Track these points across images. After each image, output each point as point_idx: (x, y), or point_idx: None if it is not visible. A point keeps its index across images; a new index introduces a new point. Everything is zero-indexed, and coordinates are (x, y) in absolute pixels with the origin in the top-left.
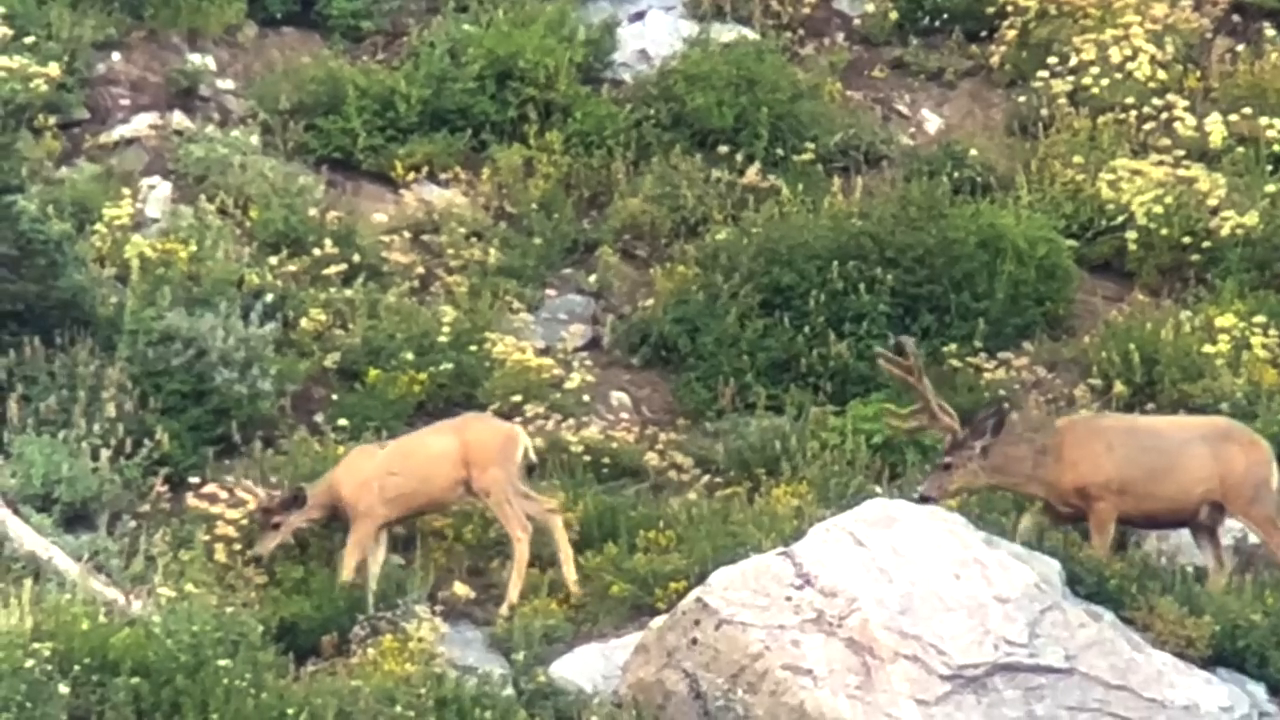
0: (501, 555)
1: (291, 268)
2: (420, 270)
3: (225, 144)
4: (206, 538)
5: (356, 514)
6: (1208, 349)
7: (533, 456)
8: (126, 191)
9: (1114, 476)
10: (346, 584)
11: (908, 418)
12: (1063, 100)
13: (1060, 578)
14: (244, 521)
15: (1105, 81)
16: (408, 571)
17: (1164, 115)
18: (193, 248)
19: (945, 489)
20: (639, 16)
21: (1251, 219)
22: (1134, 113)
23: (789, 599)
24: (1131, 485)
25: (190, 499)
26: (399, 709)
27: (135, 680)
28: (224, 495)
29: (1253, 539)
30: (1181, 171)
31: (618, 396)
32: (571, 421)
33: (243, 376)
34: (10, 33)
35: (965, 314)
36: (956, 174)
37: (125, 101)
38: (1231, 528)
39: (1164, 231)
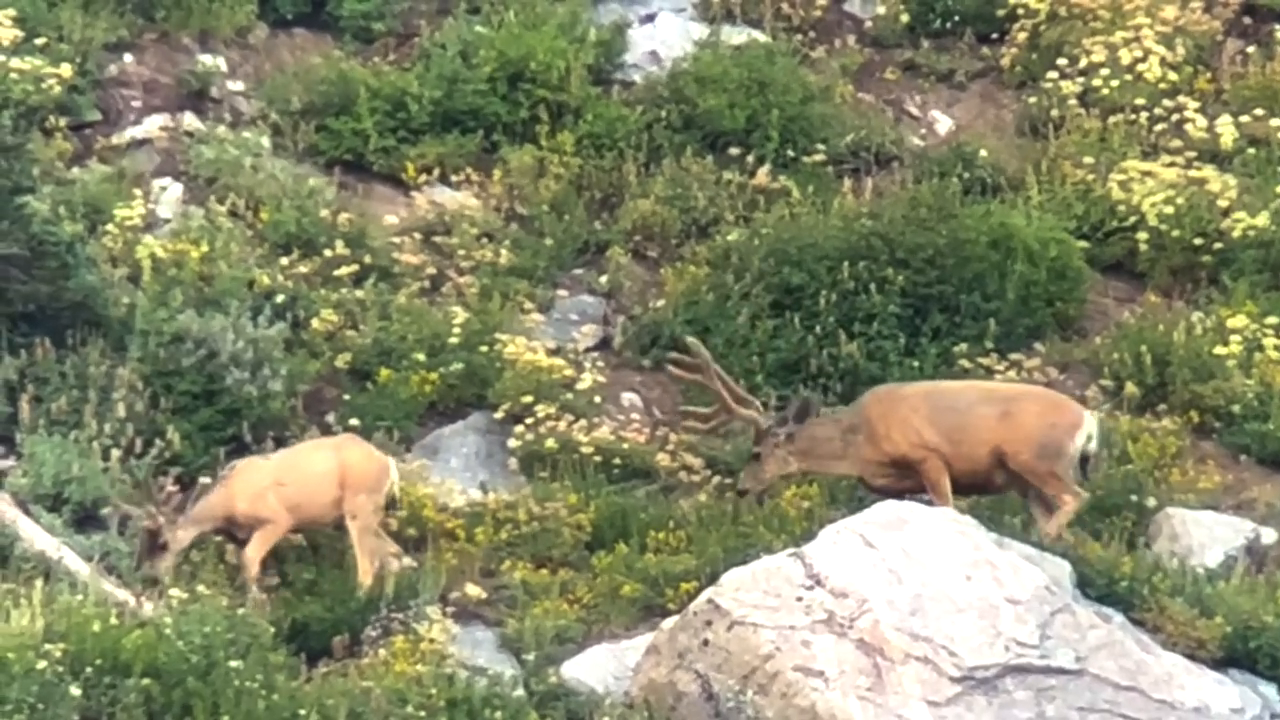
0: (513, 556)
1: (303, 269)
2: (431, 271)
3: (236, 145)
4: (218, 539)
5: (259, 524)
6: (1219, 350)
7: (397, 492)
8: (138, 193)
9: (927, 435)
10: (254, 599)
11: (708, 417)
12: (1073, 101)
13: (1071, 579)
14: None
15: (1116, 83)
16: (419, 573)
17: (1175, 117)
18: (204, 249)
19: (760, 479)
20: (650, 18)
21: (1263, 220)
22: (1145, 114)
23: (800, 600)
24: (938, 447)
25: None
26: (410, 710)
27: (146, 681)
28: None
29: (1265, 539)
30: (1193, 173)
31: (629, 397)
32: (582, 422)
33: (253, 377)
34: (22, 34)
35: (976, 314)
36: (967, 175)
37: (136, 103)
38: (1242, 528)
39: (1175, 233)
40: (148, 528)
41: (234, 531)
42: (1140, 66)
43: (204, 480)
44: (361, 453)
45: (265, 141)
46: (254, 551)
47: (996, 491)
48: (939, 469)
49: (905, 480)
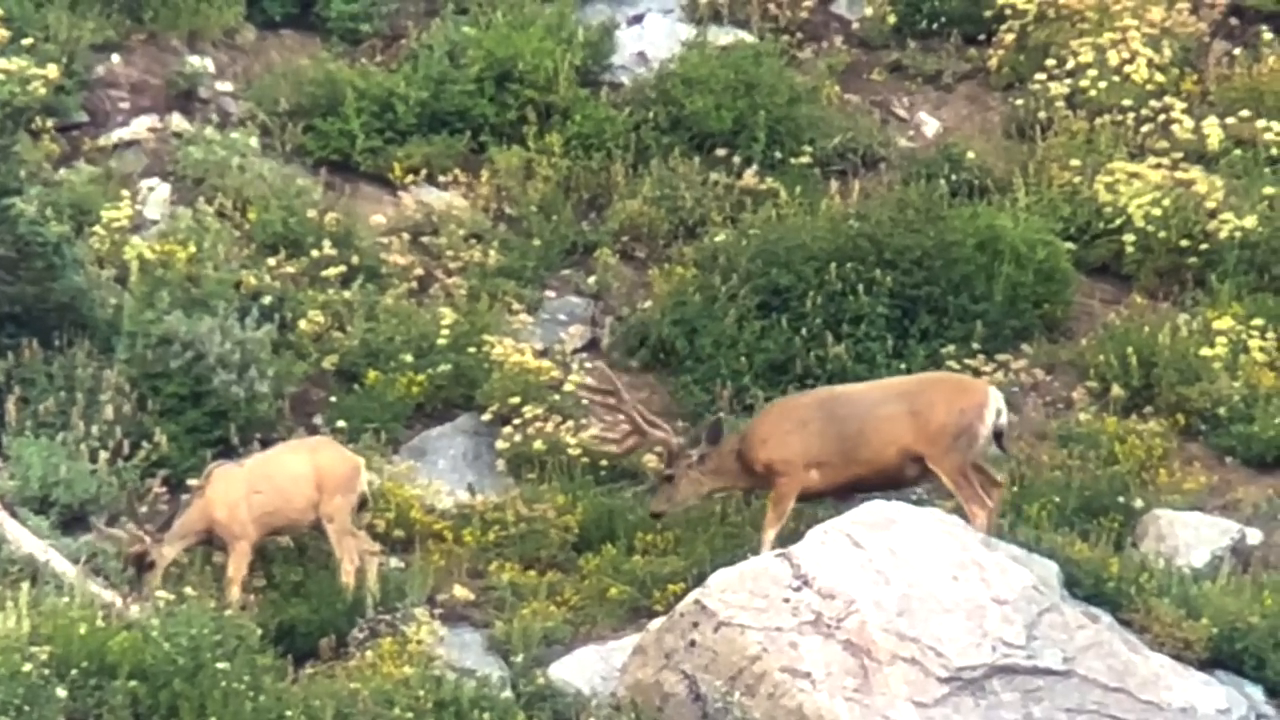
0: (500, 557)
1: (290, 269)
2: (419, 272)
3: (224, 146)
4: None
5: (232, 535)
6: (1205, 352)
7: (368, 492)
8: (125, 193)
9: (801, 454)
10: (235, 607)
11: (620, 441)
12: (1060, 103)
13: (1058, 579)
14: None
15: (1103, 84)
16: (406, 574)
17: (1161, 118)
18: (191, 249)
19: (674, 500)
20: (637, 19)
21: (1249, 221)
22: (1131, 115)
23: (787, 601)
24: (827, 459)
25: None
26: (397, 711)
27: (133, 683)
28: None
29: (1250, 539)
30: (1179, 174)
31: None
32: (570, 423)
33: (241, 378)
34: (8, 35)
35: (963, 316)
36: (954, 176)
37: (124, 104)
38: (1228, 529)
39: (1162, 234)
40: (134, 550)
41: (213, 541)
42: (1127, 68)
43: (193, 483)
44: (335, 455)
45: (253, 142)
46: (234, 572)
47: (909, 485)
48: (792, 489)
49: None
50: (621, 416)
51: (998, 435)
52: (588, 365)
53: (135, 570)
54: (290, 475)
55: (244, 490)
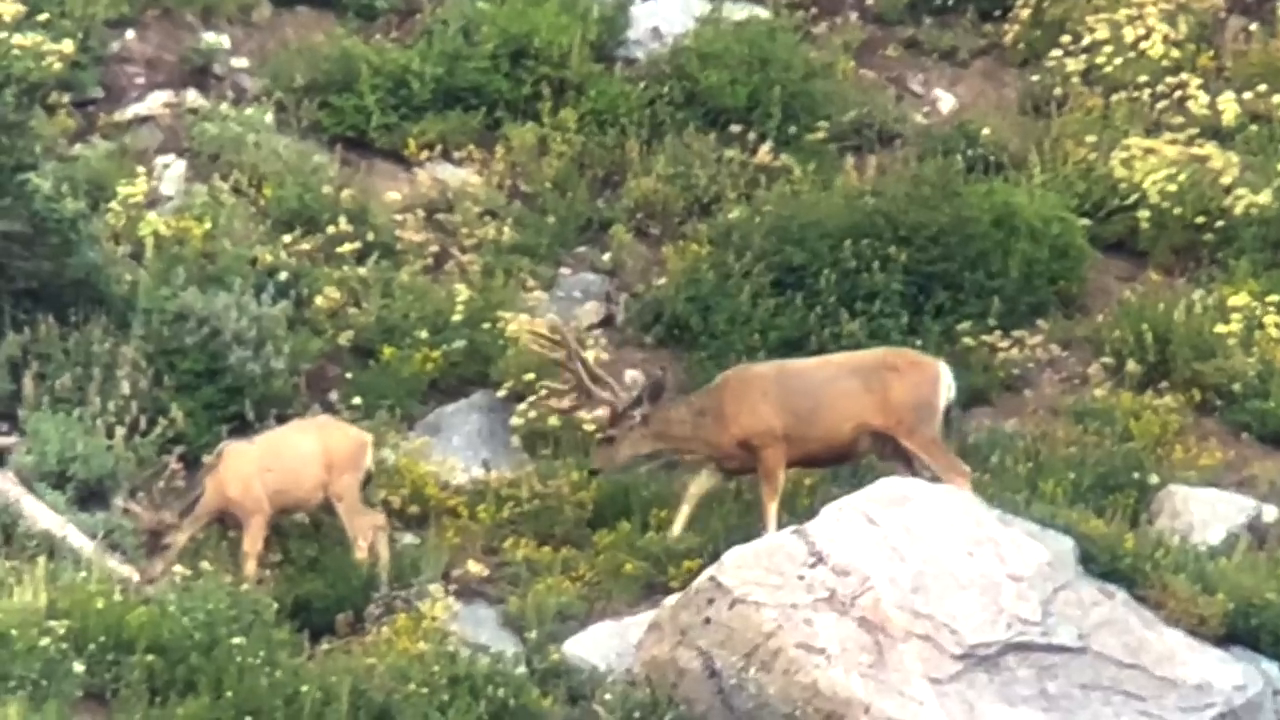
0: (515, 534)
1: (305, 246)
2: (434, 248)
3: (239, 122)
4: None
5: (246, 513)
6: (1220, 328)
7: (372, 467)
8: (141, 170)
9: (774, 422)
10: (251, 582)
11: (564, 397)
12: (1076, 79)
13: (1073, 556)
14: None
15: (1119, 60)
16: (421, 550)
17: (1177, 94)
18: (207, 226)
19: (614, 460)
20: None
21: (1265, 198)
22: (1147, 91)
23: (802, 578)
24: (790, 429)
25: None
26: (412, 687)
27: (150, 658)
28: None
29: (1266, 516)
30: (1195, 150)
31: (631, 375)
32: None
33: (256, 355)
34: (24, 10)
35: (979, 292)
36: (970, 153)
37: (140, 79)
38: (1244, 505)
39: (1177, 210)
40: (152, 528)
41: (225, 520)
42: (1143, 44)
43: (175, 466)
44: (342, 434)
45: (268, 118)
46: (250, 548)
47: (858, 460)
48: (778, 458)
49: (755, 463)
50: (568, 373)
51: (946, 412)
52: (600, 342)
53: (149, 550)
54: (300, 454)
55: (256, 467)
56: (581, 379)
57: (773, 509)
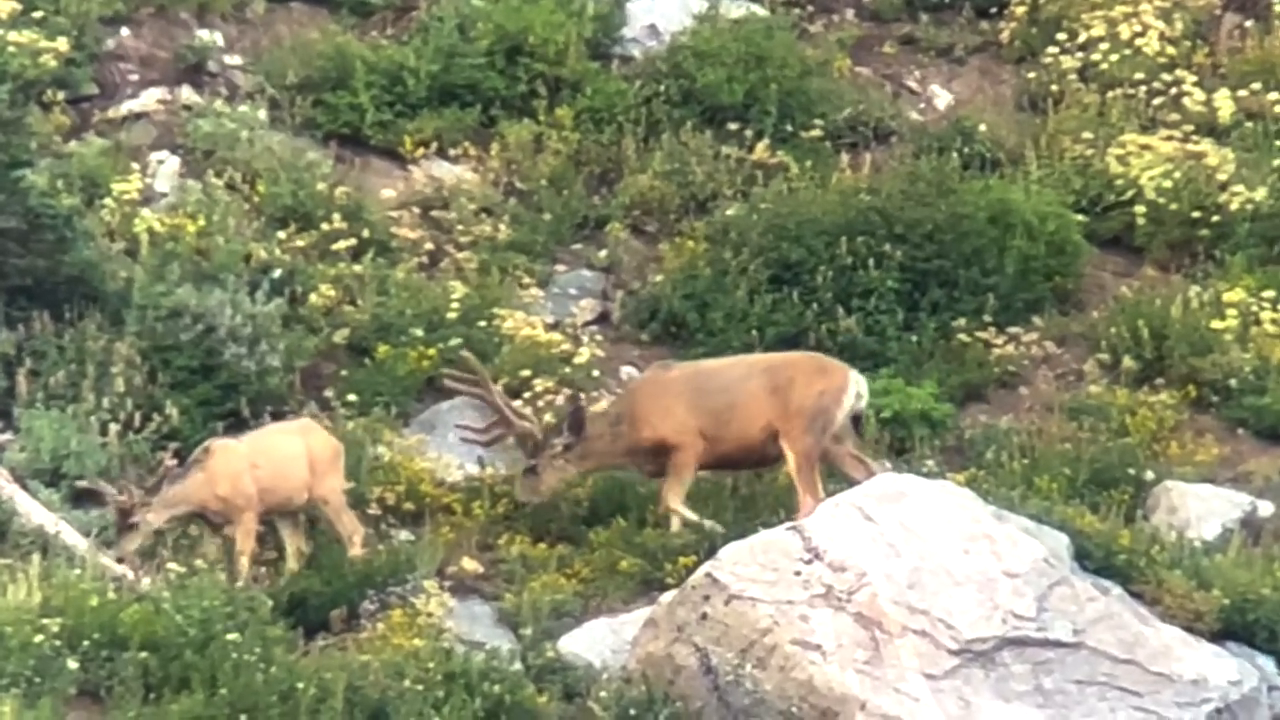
0: (510, 530)
1: (300, 243)
2: (429, 246)
3: (233, 119)
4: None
5: (238, 510)
6: (1216, 324)
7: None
8: (135, 166)
9: (688, 420)
10: (248, 580)
11: (485, 429)
12: (1072, 76)
13: (1069, 552)
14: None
15: (1115, 57)
16: (416, 547)
17: (1173, 91)
18: (201, 223)
19: (538, 490)
20: None
21: (1260, 194)
22: (1143, 88)
23: (798, 574)
24: (705, 430)
25: None
26: (408, 683)
27: (144, 655)
28: None
29: (1262, 512)
30: (1190, 146)
31: (627, 371)
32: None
33: (251, 352)
34: (19, 7)
35: (974, 289)
36: (966, 150)
37: (134, 76)
38: (1239, 501)
39: (1173, 206)
40: (120, 505)
41: (207, 516)
42: (1139, 41)
43: (170, 463)
44: (323, 437)
45: (262, 115)
46: (243, 544)
47: (771, 464)
48: (692, 457)
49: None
50: (487, 406)
51: (855, 419)
52: (596, 339)
53: (118, 528)
54: (285, 454)
55: (245, 464)
56: (503, 412)
57: (680, 504)
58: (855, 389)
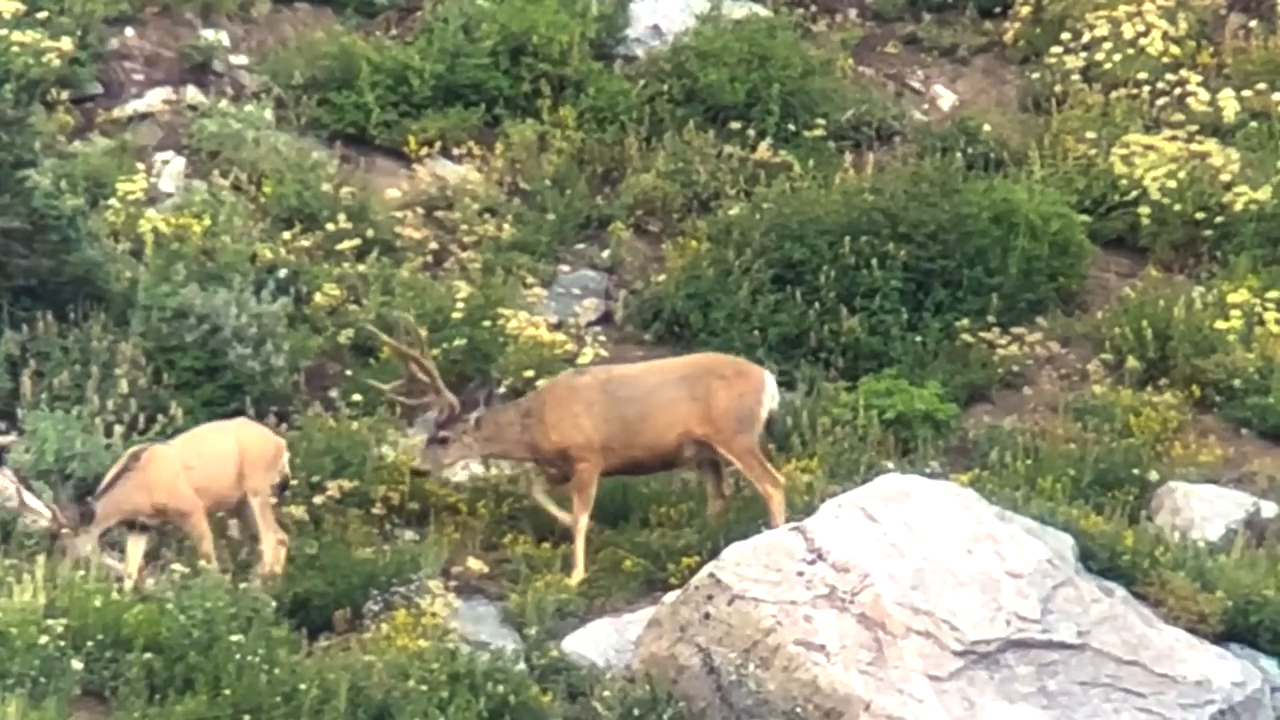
0: (515, 530)
1: (305, 243)
2: (434, 246)
3: (239, 119)
4: (221, 514)
5: (182, 514)
6: (1220, 324)
7: (288, 472)
8: (140, 166)
9: (593, 435)
10: (210, 568)
11: (410, 392)
12: (1076, 76)
13: (1073, 553)
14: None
15: (1118, 57)
16: (421, 547)
17: (1177, 91)
18: (206, 223)
19: (441, 462)
20: None
21: (1265, 194)
22: (1147, 88)
23: (801, 574)
24: (612, 440)
25: None
26: (412, 684)
27: (148, 656)
28: None
29: (1265, 512)
30: (1194, 147)
31: None
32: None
33: (256, 352)
34: (23, 8)
35: (978, 289)
36: (970, 150)
37: (139, 76)
38: (1243, 502)
39: (1177, 207)
40: (49, 530)
41: (143, 522)
42: (1143, 40)
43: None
44: (258, 433)
45: (267, 115)
46: (202, 545)
47: (683, 466)
48: (592, 472)
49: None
50: (420, 371)
51: (768, 421)
52: (600, 339)
53: (49, 545)
54: (217, 453)
55: (178, 467)
56: (435, 381)
57: (583, 522)
58: (770, 389)
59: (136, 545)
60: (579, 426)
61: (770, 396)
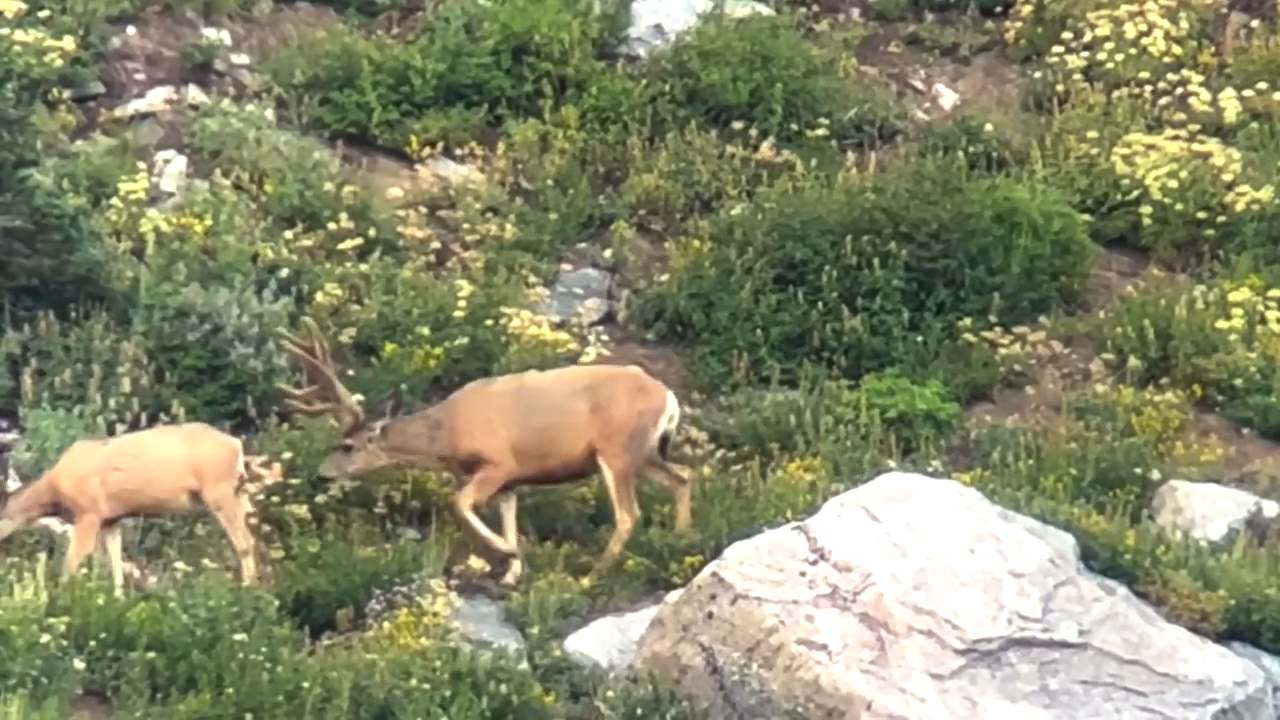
0: (517, 530)
1: (306, 242)
2: (436, 245)
3: (240, 118)
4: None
5: (78, 509)
6: (1222, 324)
7: (245, 474)
8: (142, 166)
9: (505, 444)
10: (73, 576)
11: (311, 400)
12: (1078, 75)
13: (1074, 552)
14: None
15: (1120, 56)
16: (423, 546)
17: (1179, 90)
18: (208, 222)
19: (345, 470)
20: None
21: (1266, 194)
22: (1149, 88)
23: (803, 574)
24: (525, 449)
25: None
26: (414, 683)
27: (151, 655)
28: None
29: (1267, 512)
30: (1196, 146)
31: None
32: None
33: (258, 352)
34: (25, 7)
35: (980, 288)
36: (971, 149)
37: (140, 76)
38: (1245, 501)
39: (1178, 206)
40: None
41: (60, 514)
42: (1145, 40)
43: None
44: (214, 443)
45: (269, 114)
46: (78, 544)
47: (587, 477)
48: (501, 476)
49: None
50: (320, 380)
51: (663, 440)
52: (602, 338)
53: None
54: (156, 457)
55: (98, 465)
56: (335, 387)
57: (467, 512)
58: (670, 410)
59: (113, 541)
60: (493, 431)
61: (668, 418)
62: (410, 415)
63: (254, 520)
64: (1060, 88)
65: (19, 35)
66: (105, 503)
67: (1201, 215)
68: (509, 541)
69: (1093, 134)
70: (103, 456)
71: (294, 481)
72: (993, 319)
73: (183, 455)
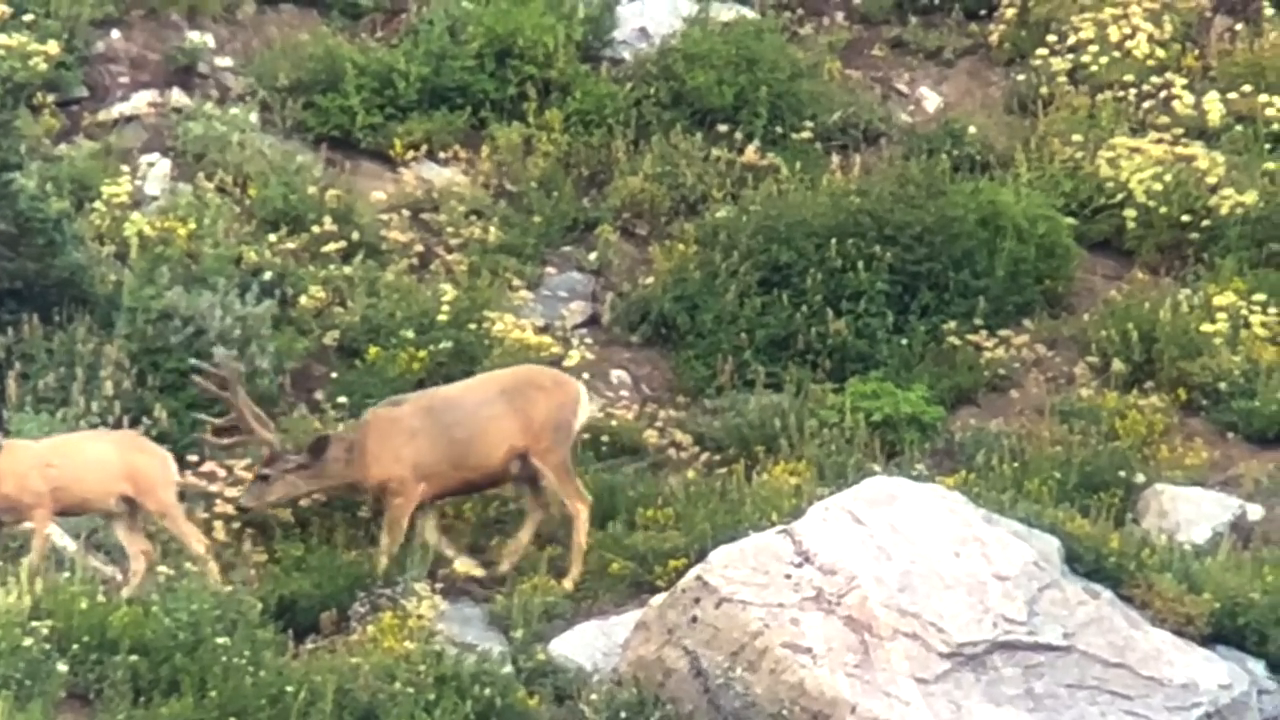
0: (501, 533)
1: (290, 245)
2: (419, 248)
3: (224, 122)
4: (205, 515)
5: (26, 507)
6: (1206, 327)
7: (178, 479)
8: (125, 169)
9: (413, 468)
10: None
11: (224, 431)
12: (1062, 78)
13: (1059, 555)
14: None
15: (1104, 60)
16: (407, 549)
17: (1163, 93)
18: (191, 225)
19: (263, 500)
20: None
21: (1250, 197)
22: (1133, 91)
23: (788, 577)
24: (437, 467)
25: (188, 477)
26: (398, 686)
27: (134, 658)
28: (222, 473)
29: (1252, 515)
30: (1180, 149)
31: (617, 374)
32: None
33: (241, 355)
34: (9, 11)
35: (965, 292)
36: (956, 152)
37: (124, 79)
38: (1229, 504)
39: (1163, 209)
40: None
41: (5, 516)
42: (1129, 43)
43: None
44: (147, 451)
45: (253, 118)
46: (37, 541)
47: (506, 483)
48: (407, 507)
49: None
50: (234, 412)
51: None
52: (586, 341)
53: None
54: (86, 457)
55: (35, 462)
56: (245, 418)
57: (385, 561)
58: (584, 401)
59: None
60: (399, 459)
61: (584, 409)
62: (332, 440)
63: (235, 524)
64: (1044, 91)
65: (3, 39)
66: (49, 498)
67: (1186, 219)
68: (450, 551)
69: (1077, 137)
70: (35, 454)
71: None
72: (977, 322)
73: (114, 459)
